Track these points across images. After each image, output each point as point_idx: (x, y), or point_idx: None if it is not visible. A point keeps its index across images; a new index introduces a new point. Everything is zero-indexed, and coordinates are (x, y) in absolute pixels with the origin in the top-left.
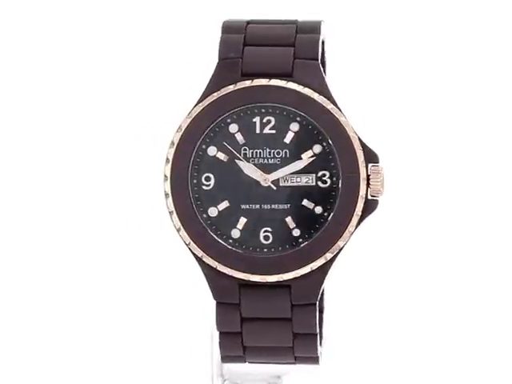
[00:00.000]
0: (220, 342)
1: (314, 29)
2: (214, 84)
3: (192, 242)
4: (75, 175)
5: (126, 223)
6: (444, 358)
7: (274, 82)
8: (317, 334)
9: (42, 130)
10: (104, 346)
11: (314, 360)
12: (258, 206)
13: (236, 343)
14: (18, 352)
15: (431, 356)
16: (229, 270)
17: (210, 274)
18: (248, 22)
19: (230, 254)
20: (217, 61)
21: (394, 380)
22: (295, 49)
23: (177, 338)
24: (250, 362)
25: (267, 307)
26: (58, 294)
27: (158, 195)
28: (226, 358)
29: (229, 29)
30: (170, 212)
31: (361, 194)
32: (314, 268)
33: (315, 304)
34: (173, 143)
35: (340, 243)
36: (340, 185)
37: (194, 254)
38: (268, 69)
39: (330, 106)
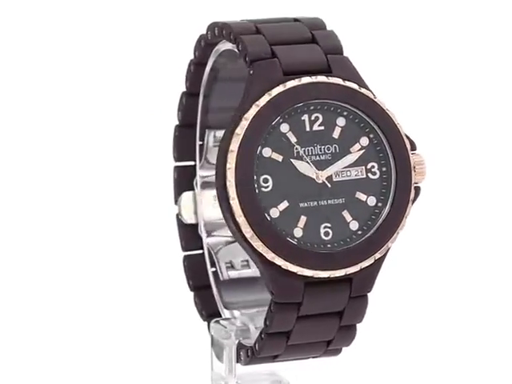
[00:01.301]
0: (264, 343)
1: (320, 25)
2: (261, 86)
3: (261, 245)
4: (104, 187)
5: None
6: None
7: (320, 78)
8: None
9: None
10: (108, 351)
11: (338, 351)
12: (315, 203)
13: (281, 343)
14: (14, 351)
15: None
16: (298, 268)
17: (276, 275)
18: (250, 22)
19: (298, 252)
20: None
21: (394, 374)
22: (320, 45)
23: (182, 341)
24: (276, 361)
25: (326, 303)
26: (76, 292)
27: None
28: (257, 359)
29: (242, 29)
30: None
31: (413, 181)
32: (377, 258)
33: (367, 294)
34: (232, 148)
35: (399, 231)
36: (392, 175)
37: (262, 256)
38: (309, 66)
39: (376, 98)
